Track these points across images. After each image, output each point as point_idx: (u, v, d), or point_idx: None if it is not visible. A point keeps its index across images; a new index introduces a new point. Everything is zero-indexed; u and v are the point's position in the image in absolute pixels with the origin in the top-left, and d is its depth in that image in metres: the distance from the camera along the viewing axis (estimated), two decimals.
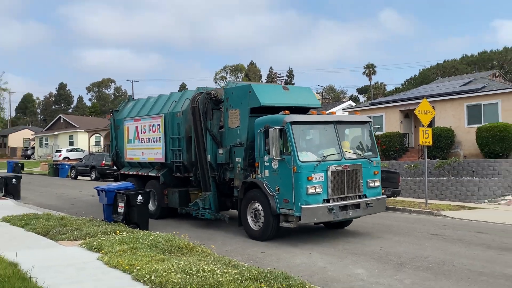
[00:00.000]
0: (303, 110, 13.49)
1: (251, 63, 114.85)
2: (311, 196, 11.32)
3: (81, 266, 8.54)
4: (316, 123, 12.30)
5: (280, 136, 11.60)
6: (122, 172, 17.98)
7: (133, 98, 18.80)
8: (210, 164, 13.94)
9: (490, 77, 34.45)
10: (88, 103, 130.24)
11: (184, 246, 9.93)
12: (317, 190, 11.38)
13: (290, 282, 7.21)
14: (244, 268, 8.03)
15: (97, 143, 66.06)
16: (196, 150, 14.34)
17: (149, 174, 16.43)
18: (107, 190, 14.04)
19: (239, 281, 7.15)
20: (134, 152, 17.32)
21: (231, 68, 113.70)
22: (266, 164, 12.04)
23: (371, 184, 12.44)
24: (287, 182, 11.47)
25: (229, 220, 13.80)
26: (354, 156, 12.31)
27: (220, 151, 13.61)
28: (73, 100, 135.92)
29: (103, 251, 9.55)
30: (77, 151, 59.61)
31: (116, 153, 18.28)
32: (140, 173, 16.93)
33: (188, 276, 7.34)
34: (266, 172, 12.06)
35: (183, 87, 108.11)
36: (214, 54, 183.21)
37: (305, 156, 11.52)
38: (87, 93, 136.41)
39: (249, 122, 12.91)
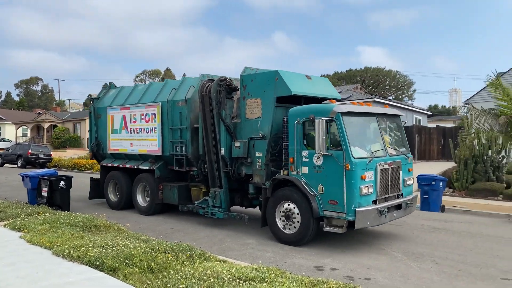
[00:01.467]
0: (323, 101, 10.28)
1: (167, 69, 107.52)
2: (363, 197, 8.23)
3: (3, 244, 7.84)
4: (365, 115, 9.15)
5: (327, 128, 8.39)
6: (104, 164, 13.65)
7: (115, 86, 14.47)
8: (223, 158, 10.35)
9: (354, 89, 36.43)
10: (16, 98, 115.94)
11: (102, 224, 9.37)
12: (369, 190, 8.33)
13: (193, 252, 7.17)
14: (154, 242, 7.73)
15: (24, 134, 58.85)
16: (205, 142, 10.65)
17: (140, 167, 12.35)
18: (31, 176, 12.64)
19: (149, 253, 6.93)
20: (120, 143, 13.08)
21: (149, 72, 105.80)
22: (305, 159, 8.72)
23: (407, 182, 9.60)
24: (336, 180, 8.25)
25: (249, 220, 10.25)
26: (394, 152, 9.35)
27: (237, 144, 10.06)
28: (1, 95, 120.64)
29: (25, 230, 8.79)
30: (4, 141, 53.11)
31: (97, 144, 13.87)
32: (128, 166, 12.77)
33: (104, 250, 7.02)
34: (305, 169, 8.74)
35: (105, 87, 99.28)
36: (134, 59, 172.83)
37: (357, 152, 8.37)
38: (15, 89, 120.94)
39: (274, 112, 9.53)
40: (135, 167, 12.50)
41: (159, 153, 11.84)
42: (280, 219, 9.12)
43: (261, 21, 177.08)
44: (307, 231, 8.67)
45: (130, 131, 12.67)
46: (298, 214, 8.80)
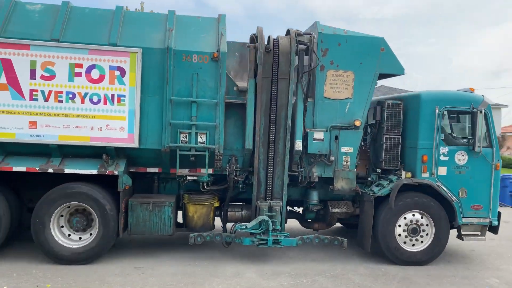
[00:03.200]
0: None
1: None
2: None
3: None
4: None
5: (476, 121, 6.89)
6: None
7: None
8: (294, 156, 6.59)
9: None
10: None
11: None
12: None
13: None
14: None
15: None
16: (258, 130, 6.40)
17: (76, 171, 6.01)
18: None
19: None
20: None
21: None
22: (444, 158, 6.83)
23: None
24: (482, 182, 6.97)
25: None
26: None
27: (318, 135, 6.64)
28: None
29: None
30: None
31: None
32: (16, 169, 5.92)
33: None
34: (442, 170, 6.84)
35: None
36: None
37: None
38: None
39: (370, 94, 6.89)
40: (50, 171, 5.96)
41: (133, 144, 6.12)
42: (403, 234, 6.80)
43: None
44: (441, 244, 6.89)
45: (32, 95, 5.88)
46: (427, 225, 6.82)
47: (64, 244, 6.08)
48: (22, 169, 5.96)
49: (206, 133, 6.27)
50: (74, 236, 6.23)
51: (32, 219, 6.00)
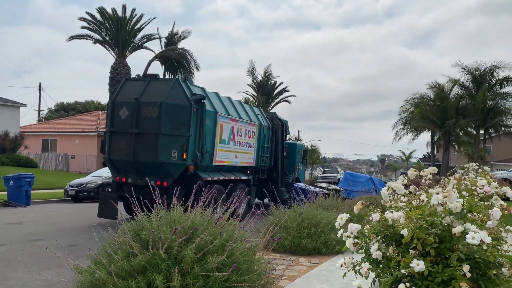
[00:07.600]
0: None
1: None
2: None
3: None
4: None
5: None
6: (209, 178, 10.75)
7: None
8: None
9: None
10: None
11: None
12: None
13: None
14: None
15: None
16: (274, 157, 15.01)
17: (242, 178, 12.57)
18: None
19: None
20: (226, 155, 11.58)
21: None
22: (299, 167, 17.63)
23: None
24: (303, 175, 18.24)
25: None
26: None
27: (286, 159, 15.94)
28: None
29: None
30: None
31: (202, 153, 10.36)
32: (232, 178, 11.99)
33: None
34: (298, 170, 17.62)
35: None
36: None
37: None
38: None
39: None
40: (238, 178, 12.42)
41: (254, 165, 13.36)
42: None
43: None
44: None
45: (237, 143, 12.18)
46: None
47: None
48: (232, 177, 12.13)
49: (267, 159, 14.35)
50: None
51: None
